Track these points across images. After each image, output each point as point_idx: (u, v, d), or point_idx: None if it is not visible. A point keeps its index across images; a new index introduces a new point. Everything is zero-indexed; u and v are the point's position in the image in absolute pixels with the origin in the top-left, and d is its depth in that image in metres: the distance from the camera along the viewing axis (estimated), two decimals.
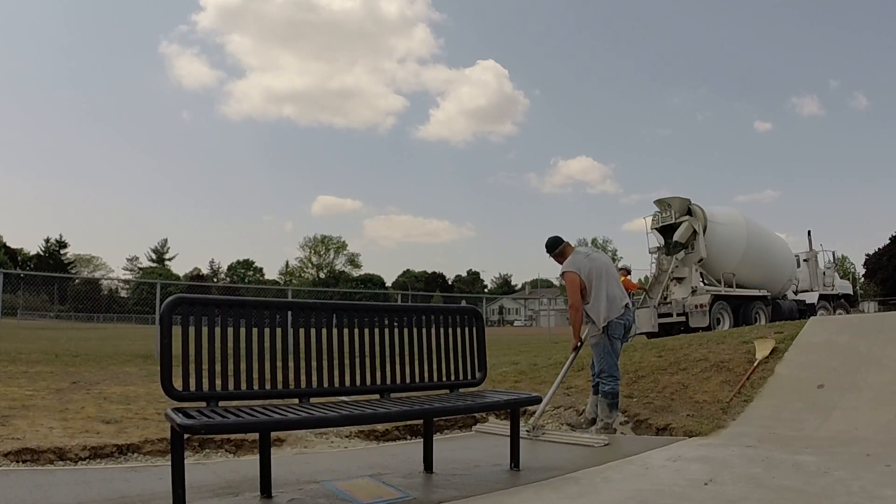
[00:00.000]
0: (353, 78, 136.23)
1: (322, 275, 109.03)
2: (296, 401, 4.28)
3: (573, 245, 6.95)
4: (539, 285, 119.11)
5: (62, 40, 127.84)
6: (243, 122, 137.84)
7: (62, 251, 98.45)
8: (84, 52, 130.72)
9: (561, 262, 6.75)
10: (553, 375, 8.73)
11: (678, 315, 19.75)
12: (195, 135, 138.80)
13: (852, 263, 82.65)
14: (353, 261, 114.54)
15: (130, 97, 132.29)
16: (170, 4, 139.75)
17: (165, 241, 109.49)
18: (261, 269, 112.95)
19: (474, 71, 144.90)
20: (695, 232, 20.35)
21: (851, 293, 27.49)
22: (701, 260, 20.38)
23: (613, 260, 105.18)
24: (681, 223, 20.48)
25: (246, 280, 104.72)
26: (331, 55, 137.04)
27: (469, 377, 5.16)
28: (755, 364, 7.46)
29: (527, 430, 6.11)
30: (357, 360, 4.62)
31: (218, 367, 3.97)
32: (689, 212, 20.70)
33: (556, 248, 6.82)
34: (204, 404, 3.88)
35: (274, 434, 5.09)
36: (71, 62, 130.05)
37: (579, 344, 6.62)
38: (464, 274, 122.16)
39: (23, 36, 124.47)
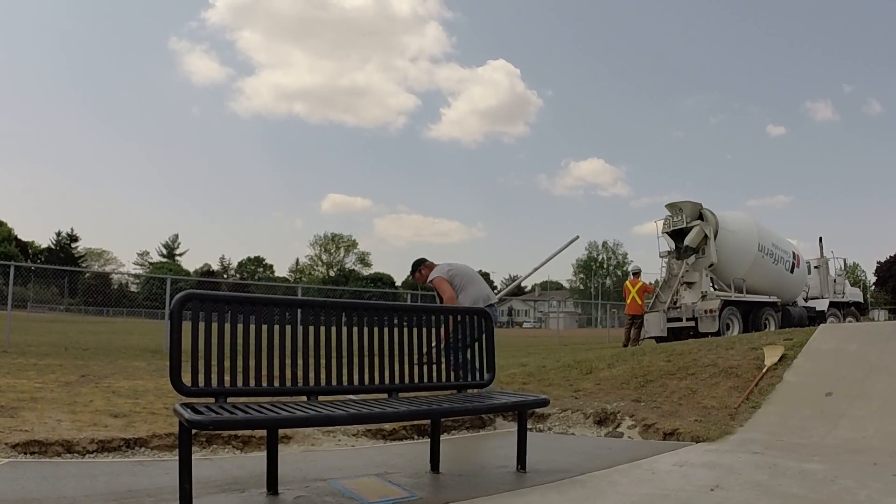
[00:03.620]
0: (365, 76, 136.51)
1: (332, 273, 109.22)
2: (304, 398, 4.29)
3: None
4: (549, 287, 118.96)
5: (73, 36, 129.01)
6: (253, 119, 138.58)
7: (73, 245, 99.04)
8: (94, 48, 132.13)
9: (425, 280, 7.59)
10: (562, 378, 8.73)
11: (687, 320, 19.68)
12: (205, 131, 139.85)
13: (863, 271, 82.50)
14: (363, 259, 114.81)
15: (141, 93, 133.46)
16: (179, 0, 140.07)
17: (176, 236, 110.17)
18: (271, 267, 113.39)
19: (487, 70, 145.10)
20: (706, 237, 20.29)
21: (862, 301, 27.30)
22: (711, 265, 20.31)
23: (623, 263, 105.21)
24: (692, 228, 20.42)
25: (256, 277, 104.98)
26: (342, 53, 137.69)
27: (477, 378, 5.16)
28: (764, 370, 7.43)
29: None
30: (366, 359, 4.62)
31: (227, 364, 3.98)
32: (701, 216, 20.64)
33: (419, 266, 7.75)
34: (212, 400, 3.89)
35: (281, 431, 5.10)
36: (81, 58, 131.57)
37: None
38: None
39: (33, 33, 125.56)
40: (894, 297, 71.77)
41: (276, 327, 4.26)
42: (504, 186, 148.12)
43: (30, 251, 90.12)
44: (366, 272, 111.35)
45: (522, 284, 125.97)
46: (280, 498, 3.95)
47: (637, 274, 20.31)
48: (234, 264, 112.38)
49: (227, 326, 4.05)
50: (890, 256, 79.79)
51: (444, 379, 5.04)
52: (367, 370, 4.62)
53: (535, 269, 9.29)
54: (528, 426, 5.79)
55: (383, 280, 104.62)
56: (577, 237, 9.93)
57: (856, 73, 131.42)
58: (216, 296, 4.31)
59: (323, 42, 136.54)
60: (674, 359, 8.78)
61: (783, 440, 5.67)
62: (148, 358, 12.54)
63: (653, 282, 20.82)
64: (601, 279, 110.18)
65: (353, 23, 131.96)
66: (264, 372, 4.13)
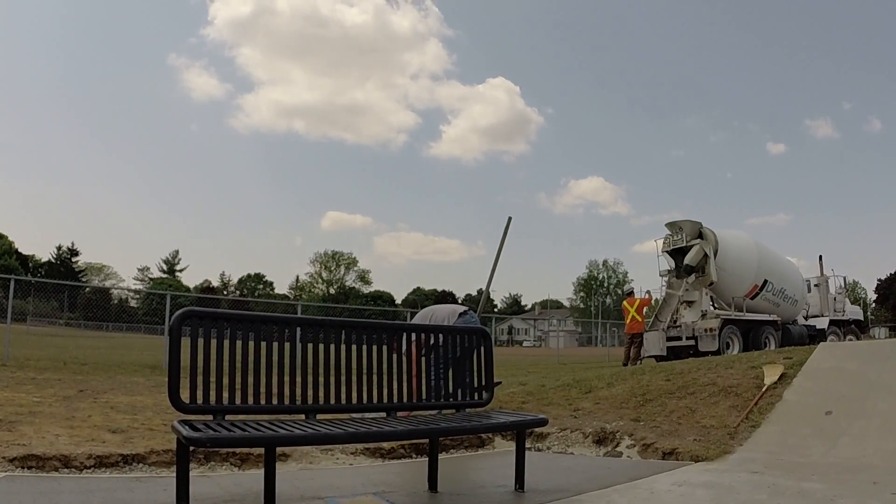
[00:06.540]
0: (364, 93, 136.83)
1: (332, 291, 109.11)
2: (302, 416, 4.29)
3: None
4: (549, 306, 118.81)
5: (73, 52, 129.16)
6: (252, 136, 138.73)
7: (74, 259, 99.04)
8: (94, 63, 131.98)
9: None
10: (561, 397, 8.72)
11: (687, 339, 19.68)
12: (205, 147, 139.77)
13: (863, 289, 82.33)
14: (363, 277, 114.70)
15: (140, 109, 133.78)
16: (179, 17, 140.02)
17: (177, 252, 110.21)
18: (271, 284, 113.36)
19: (487, 88, 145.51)
20: (706, 255, 20.32)
21: (862, 319, 27.30)
22: (711, 284, 20.33)
23: (624, 282, 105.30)
24: (692, 246, 20.46)
25: (256, 294, 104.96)
26: (342, 70, 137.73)
27: (476, 397, 5.16)
28: (763, 389, 7.42)
29: None
30: (364, 378, 4.62)
31: (225, 381, 3.98)
32: (701, 235, 20.68)
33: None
34: (210, 417, 3.89)
35: (279, 449, 5.09)
36: (81, 73, 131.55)
37: None
38: (473, 293, 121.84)
39: (33, 48, 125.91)
40: (895, 315, 71.62)
41: (275, 345, 4.27)
42: (504, 205, 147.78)
43: (30, 265, 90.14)
44: (366, 290, 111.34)
45: (522, 303, 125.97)
46: None
47: (631, 293, 20.32)
48: (235, 281, 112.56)
49: (226, 343, 4.06)
50: (890, 274, 79.61)
51: (442, 398, 5.03)
52: (365, 389, 4.62)
53: (493, 272, 9.66)
54: (527, 445, 5.79)
55: (383, 298, 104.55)
56: (511, 218, 10.22)
57: (856, 91, 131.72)
58: (215, 313, 4.31)
59: (322, 59, 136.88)
60: (673, 378, 8.77)
61: (783, 459, 5.66)
62: (147, 374, 12.52)
63: (646, 294, 20.80)
64: (601, 298, 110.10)
65: (353, 40, 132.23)
66: (263, 390, 4.13)
